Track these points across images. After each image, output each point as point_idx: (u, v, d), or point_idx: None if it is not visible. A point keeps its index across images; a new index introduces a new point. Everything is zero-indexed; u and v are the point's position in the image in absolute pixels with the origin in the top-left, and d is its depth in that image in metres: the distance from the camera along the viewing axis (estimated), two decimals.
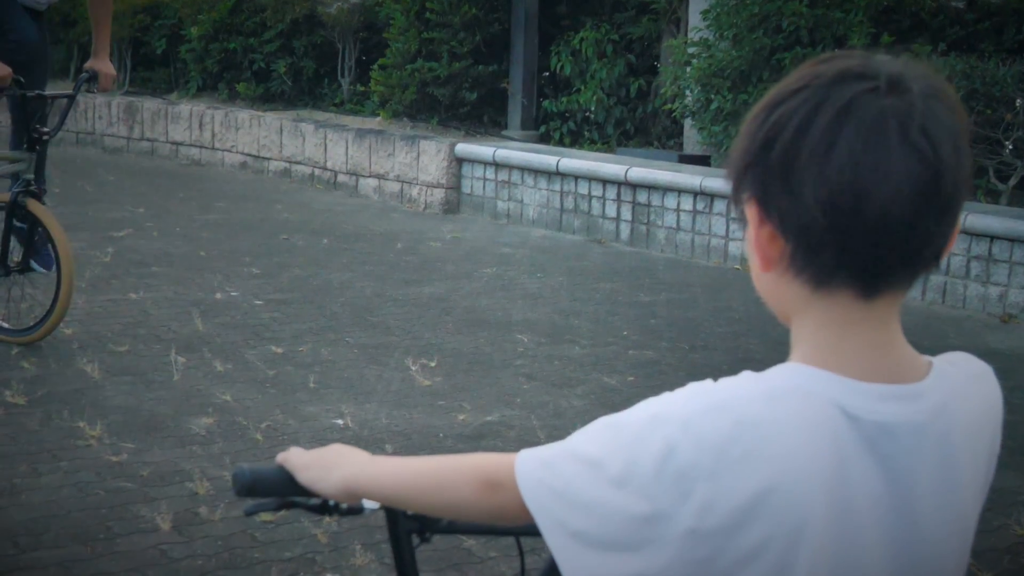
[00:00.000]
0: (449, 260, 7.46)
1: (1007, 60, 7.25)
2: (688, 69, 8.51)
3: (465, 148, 9.24)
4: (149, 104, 11.79)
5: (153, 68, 12.66)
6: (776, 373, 1.08)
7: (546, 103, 10.00)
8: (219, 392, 4.72)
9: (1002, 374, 1.30)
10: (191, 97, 11.99)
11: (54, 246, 5.08)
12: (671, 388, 1.09)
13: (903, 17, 8.13)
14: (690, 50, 8.60)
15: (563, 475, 1.09)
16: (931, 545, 1.11)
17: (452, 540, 3.42)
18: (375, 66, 10.47)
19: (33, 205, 5.11)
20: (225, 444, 4.20)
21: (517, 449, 1.17)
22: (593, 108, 9.68)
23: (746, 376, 1.08)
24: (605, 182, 8.31)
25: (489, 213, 9.08)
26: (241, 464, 2.03)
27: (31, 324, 5.19)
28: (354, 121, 10.46)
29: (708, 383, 1.07)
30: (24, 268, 5.30)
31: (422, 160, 9.42)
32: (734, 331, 5.95)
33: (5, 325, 5.27)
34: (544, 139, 9.95)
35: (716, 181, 7.65)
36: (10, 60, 5.00)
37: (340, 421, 4.46)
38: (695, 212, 7.83)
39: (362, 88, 11.06)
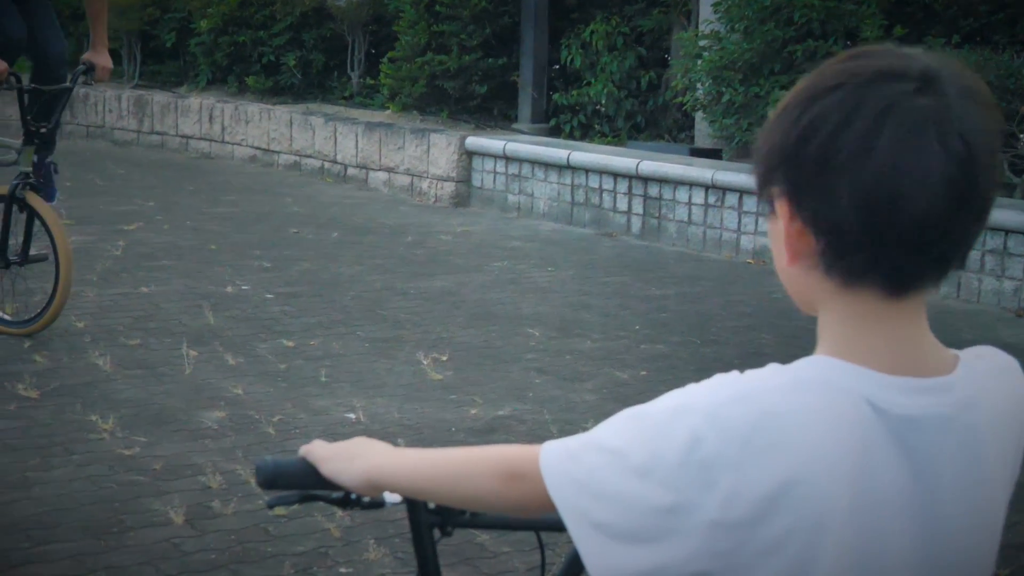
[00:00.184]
0: (459, 254, 7.45)
1: (1021, 52, 7.21)
2: (699, 62, 8.48)
3: (475, 141, 9.23)
4: (159, 97, 11.80)
5: (163, 61, 12.65)
6: (802, 365, 1.08)
7: (556, 96, 9.98)
8: (230, 386, 4.72)
9: None
10: (201, 90, 11.98)
11: (52, 239, 5.09)
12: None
13: (916, 9, 8.10)
14: (701, 43, 8.57)
15: (587, 466, 1.08)
16: (956, 538, 1.10)
17: (465, 535, 3.40)
18: (385, 59, 10.47)
19: (32, 198, 5.13)
20: (237, 438, 4.19)
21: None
22: (603, 101, 9.65)
23: (772, 368, 1.07)
24: (616, 175, 8.29)
25: (499, 206, 9.07)
26: (264, 456, 2.02)
27: (31, 316, 5.21)
28: (364, 114, 10.46)
29: (734, 374, 1.07)
30: (24, 260, 5.32)
31: (432, 153, 9.41)
32: (745, 325, 5.93)
33: (5, 317, 5.29)
34: (554, 132, 9.92)
35: (727, 175, 7.62)
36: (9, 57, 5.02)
37: (352, 415, 4.46)
38: (706, 206, 7.81)
39: (372, 81, 11.05)
